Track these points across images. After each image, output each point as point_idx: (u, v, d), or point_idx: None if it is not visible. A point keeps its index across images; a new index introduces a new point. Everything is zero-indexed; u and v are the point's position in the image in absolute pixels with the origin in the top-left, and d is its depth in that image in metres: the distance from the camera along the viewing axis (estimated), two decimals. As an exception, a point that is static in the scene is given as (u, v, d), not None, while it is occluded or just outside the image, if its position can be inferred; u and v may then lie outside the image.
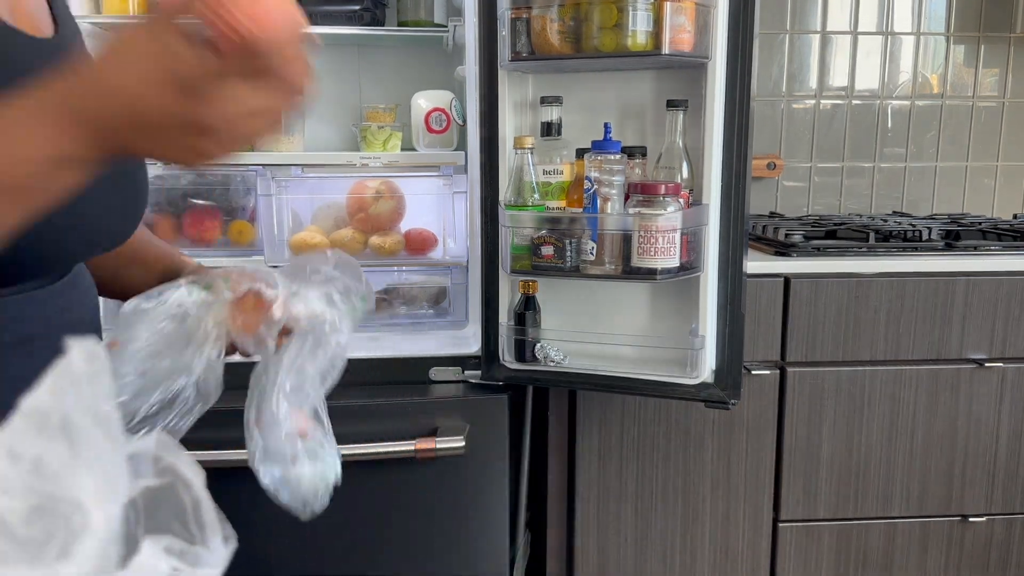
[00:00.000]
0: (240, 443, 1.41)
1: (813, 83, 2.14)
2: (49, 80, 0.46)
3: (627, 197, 1.26)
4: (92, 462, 0.41)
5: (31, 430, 0.40)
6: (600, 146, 1.25)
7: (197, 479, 0.47)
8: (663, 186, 1.22)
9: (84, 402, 0.42)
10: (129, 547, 0.44)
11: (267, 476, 0.75)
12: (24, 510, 0.39)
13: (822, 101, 2.15)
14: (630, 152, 1.32)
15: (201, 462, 0.48)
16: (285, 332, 0.75)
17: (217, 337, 0.71)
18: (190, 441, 0.75)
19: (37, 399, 0.41)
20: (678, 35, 1.20)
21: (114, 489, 0.43)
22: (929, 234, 1.67)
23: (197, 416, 0.73)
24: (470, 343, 1.48)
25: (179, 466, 0.46)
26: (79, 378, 0.42)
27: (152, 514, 0.45)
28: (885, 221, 1.87)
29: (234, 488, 1.45)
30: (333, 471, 0.77)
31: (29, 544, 0.39)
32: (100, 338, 0.70)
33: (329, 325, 0.75)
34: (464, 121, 1.62)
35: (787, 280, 1.54)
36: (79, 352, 0.42)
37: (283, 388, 0.74)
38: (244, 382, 1.53)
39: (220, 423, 1.39)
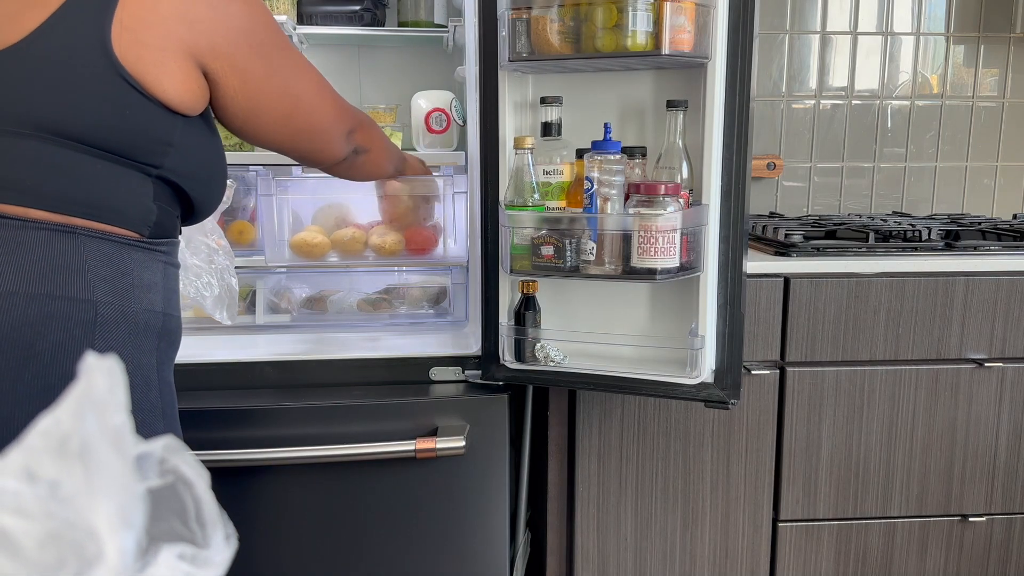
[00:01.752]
0: (242, 443, 1.41)
1: (813, 83, 2.14)
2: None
3: (627, 197, 1.26)
4: (109, 490, 0.42)
5: (50, 452, 0.40)
6: (600, 146, 1.25)
7: (200, 480, 0.47)
8: (663, 186, 1.22)
9: (104, 426, 0.42)
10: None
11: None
12: (40, 534, 0.39)
13: (822, 101, 2.15)
14: (630, 152, 1.32)
15: (204, 462, 0.49)
16: None
17: None
18: (191, 441, 0.77)
19: (58, 421, 0.41)
20: (678, 35, 1.20)
21: (129, 519, 0.43)
22: (929, 234, 1.67)
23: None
24: (470, 343, 1.48)
25: (182, 467, 0.46)
26: (100, 402, 0.42)
27: (153, 513, 0.45)
28: (885, 221, 1.87)
29: (234, 488, 1.46)
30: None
31: (41, 570, 0.39)
32: None
33: None
34: (464, 121, 1.62)
35: (787, 280, 1.54)
36: (100, 372, 0.42)
37: None
38: (245, 382, 1.53)
39: (220, 423, 1.39)
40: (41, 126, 0.81)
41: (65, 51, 0.81)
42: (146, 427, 0.89)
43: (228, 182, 1.43)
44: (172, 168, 0.89)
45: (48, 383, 0.80)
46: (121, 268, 0.86)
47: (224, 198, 1.44)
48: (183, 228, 1.27)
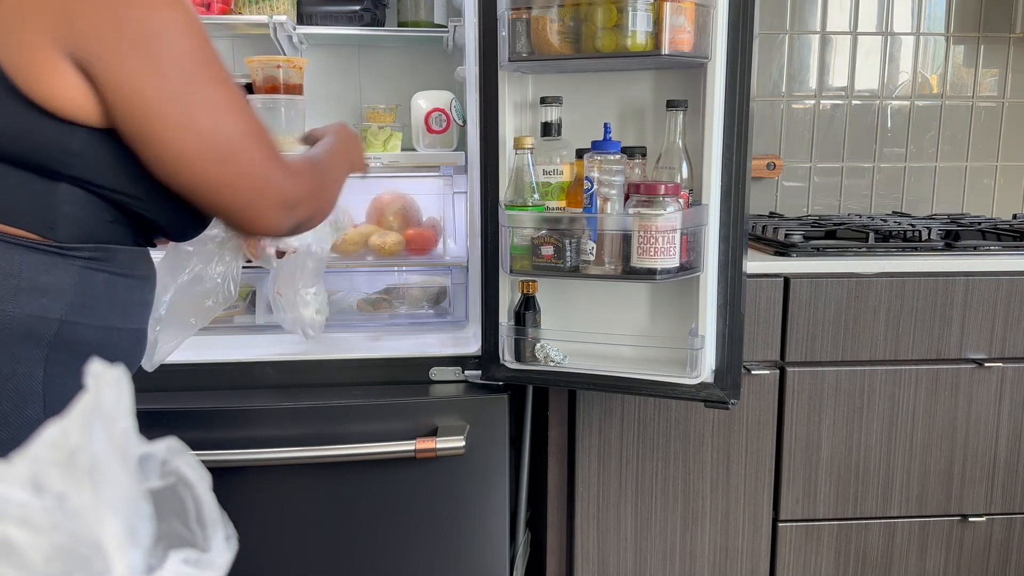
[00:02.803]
0: (242, 443, 1.42)
1: (813, 83, 2.14)
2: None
3: (627, 197, 1.26)
4: (117, 507, 0.41)
5: (58, 464, 0.40)
6: (600, 146, 1.25)
7: (202, 482, 0.47)
8: (663, 186, 1.22)
9: (112, 439, 0.42)
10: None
11: (284, 321, 1.27)
12: (47, 547, 0.39)
13: (822, 101, 2.15)
14: (630, 152, 1.32)
15: (204, 462, 0.49)
16: (281, 253, 1.22)
17: (232, 258, 1.14)
18: (193, 441, 0.76)
19: (66, 433, 0.41)
20: (678, 35, 1.20)
21: (137, 537, 0.43)
22: (929, 234, 1.67)
23: (222, 306, 1.14)
24: (470, 343, 1.48)
25: (183, 468, 0.46)
26: (108, 415, 0.42)
27: (156, 514, 0.45)
28: (885, 221, 1.87)
29: (234, 488, 1.46)
30: (324, 311, 1.29)
31: None
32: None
33: (308, 247, 1.23)
34: (464, 121, 1.62)
35: (787, 280, 1.54)
36: (107, 382, 0.42)
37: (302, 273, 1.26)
38: (245, 382, 1.53)
39: (221, 423, 1.39)
40: None
41: None
42: (17, 444, 0.84)
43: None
44: (83, 175, 0.81)
45: None
46: (5, 269, 0.79)
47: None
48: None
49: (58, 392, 0.83)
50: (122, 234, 0.88)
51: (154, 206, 0.87)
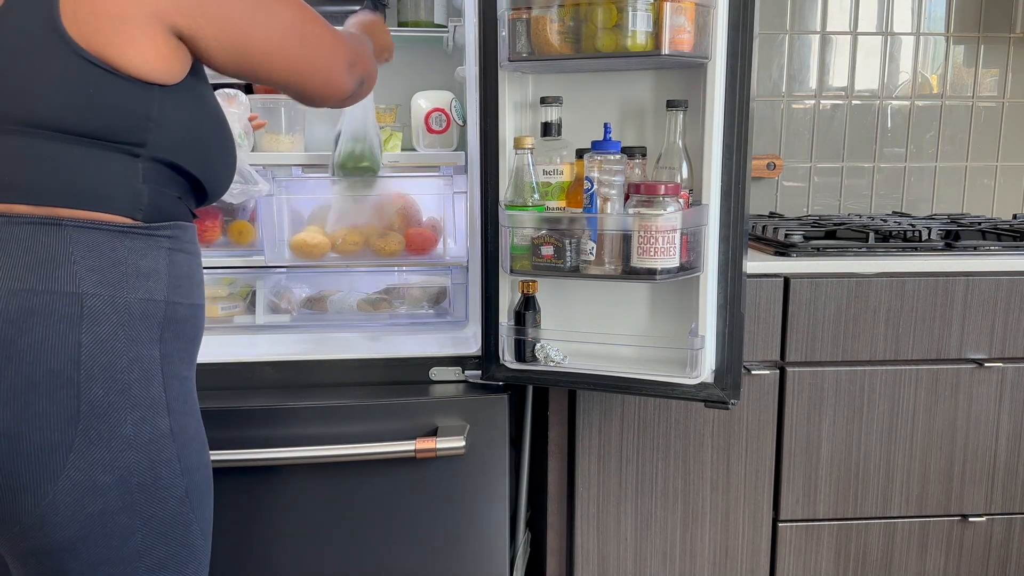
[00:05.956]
0: (242, 443, 1.41)
1: (813, 83, 2.14)
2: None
3: (627, 197, 1.26)
4: None
5: None
6: (600, 146, 1.25)
7: None
8: (663, 186, 1.22)
9: None
10: None
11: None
12: None
13: (822, 101, 2.15)
14: (630, 152, 1.32)
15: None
16: None
17: None
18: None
19: None
20: (678, 35, 1.20)
21: None
22: (929, 234, 1.67)
23: None
24: (470, 343, 1.48)
25: None
26: None
27: None
28: (885, 221, 1.87)
29: (234, 488, 1.46)
30: None
31: None
32: None
33: None
34: (464, 121, 1.62)
35: (787, 280, 1.54)
36: None
37: None
38: (245, 382, 1.53)
39: (220, 423, 1.39)
40: (14, 118, 0.80)
41: (20, 37, 0.79)
42: (147, 423, 0.85)
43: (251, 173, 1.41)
44: (159, 144, 0.86)
45: (33, 380, 0.78)
46: (112, 257, 0.83)
47: (257, 188, 1.42)
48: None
49: (170, 371, 0.88)
50: (184, 211, 0.93)
51: (204, 162, 0.93)
